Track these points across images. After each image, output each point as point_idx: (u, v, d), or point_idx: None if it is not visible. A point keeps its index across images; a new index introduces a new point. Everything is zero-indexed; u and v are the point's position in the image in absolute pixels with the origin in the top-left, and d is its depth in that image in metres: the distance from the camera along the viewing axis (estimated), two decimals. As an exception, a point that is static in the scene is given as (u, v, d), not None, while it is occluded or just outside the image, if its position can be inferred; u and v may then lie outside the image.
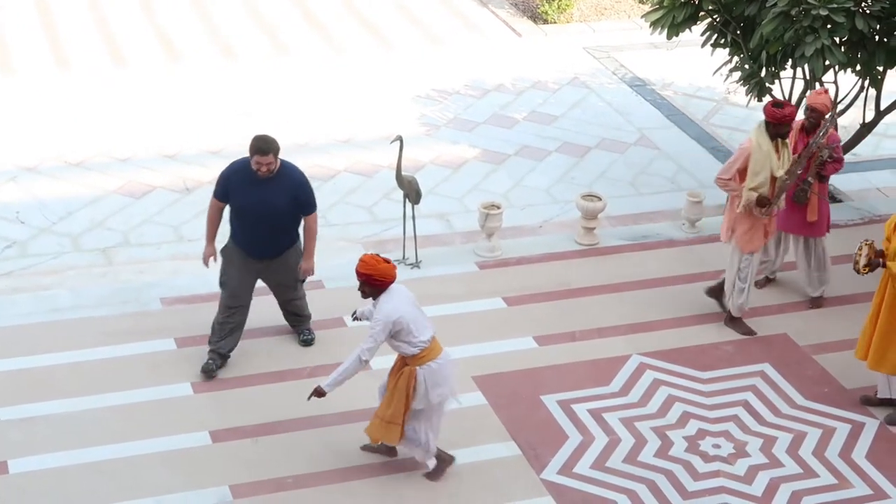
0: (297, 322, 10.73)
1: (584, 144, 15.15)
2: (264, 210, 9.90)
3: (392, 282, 8.84)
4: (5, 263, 12.21)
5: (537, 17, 18.84)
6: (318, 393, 8.93)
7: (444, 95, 16.24)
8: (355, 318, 9.36)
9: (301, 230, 10.27)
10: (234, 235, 10.18)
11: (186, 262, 11.90)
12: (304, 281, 10.51)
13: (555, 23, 18.67)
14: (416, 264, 11.89)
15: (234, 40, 17.63)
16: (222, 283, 10.20)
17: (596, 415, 10.03)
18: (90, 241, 12.63)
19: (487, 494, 9.20)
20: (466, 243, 12.59)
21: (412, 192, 11.63)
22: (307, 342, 10.64)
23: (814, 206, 11.20)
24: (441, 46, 17.88)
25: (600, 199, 12.34)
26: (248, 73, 16.67)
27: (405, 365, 8.98)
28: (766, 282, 11.79)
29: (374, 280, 8.77)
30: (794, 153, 10.95)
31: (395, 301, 8.80)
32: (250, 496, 9.06)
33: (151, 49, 17.23)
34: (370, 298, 8.93)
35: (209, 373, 10.15)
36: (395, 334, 8.82)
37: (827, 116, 11.04)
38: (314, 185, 13.81)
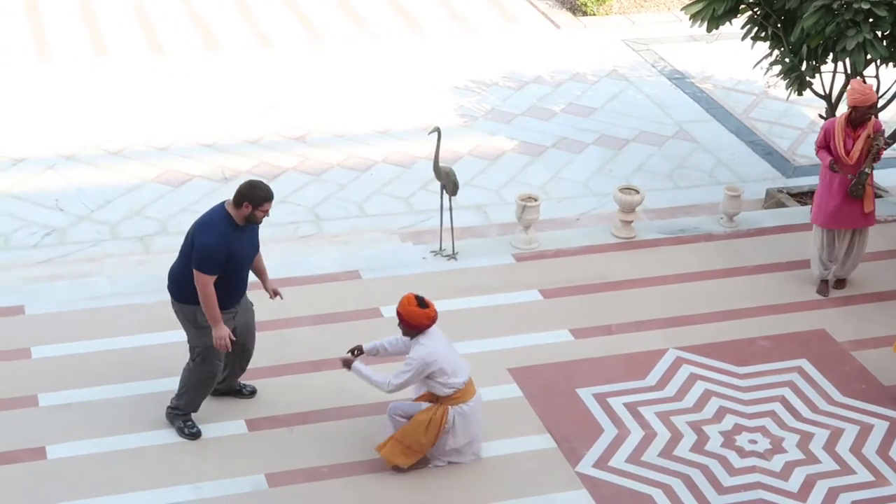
0: (241, 374, 9.82)
1: (622, 137, 15.12)
2: (252, 252, 9.28)
3: (429, 326, 8.92)
4: (45, 251, 12.31)
5: (576, 8, 18.78)
6: (347, 363, 9.11)
7: (481, 87, 16.23)
8: (357, 354, 9.27)
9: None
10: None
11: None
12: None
13: (594, 14, 18.61)
14: (453, 256, 11.89)
15: (270, 29, 17.67)
16: (212, 353, 9.20)
17: (632, 408, 10.01)
18: (128, 230, 12.70)
19: (522, 486, 9.19)
20: (503, 235, 12.58)
21: (449, 184, 11.63)
22: (253, 392, 9.90)
23: (870, 195, 11.15)
24: (479, 37, 17.85)
25: (638, 192, 12.30)
26: (285, 62, 16.70)
27: (435, 399, 9.05)
28: (827, 286, 11.66)
29: (405, 322, 8.92)
30: (844, 149, 10.94)
31: (431, 344, 8.91)
32: (285, 484, 9.09)
33: (189, 38, 17.30)
34: (403, 336, 9.06)
35: (198, 435, 9.54)
36: (429, 375, 8.93)
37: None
38: (352, 175, 13.98)
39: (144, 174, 13.76)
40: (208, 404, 9.66)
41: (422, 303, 8.93)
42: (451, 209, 11.76)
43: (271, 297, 9.64)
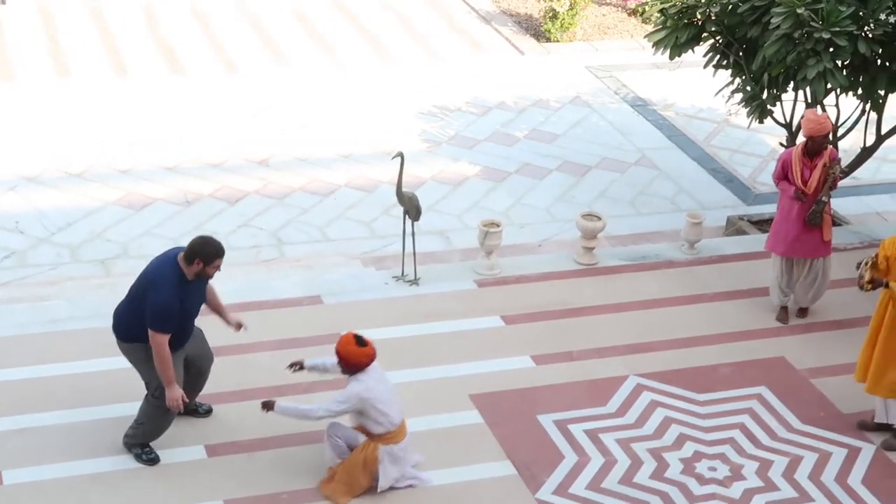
0: (198, 392, 9.78)
1: (584, 163, 15.18)
2: (200, 302, 9.25)
3: (368, 364, 8.97)
4: (4, 273, 12.22)
5: (540, 35, 18.87)
6: (270, 406, 9.10)
7: (445, 112, 16.27)
8: (297, 369, 9.37)
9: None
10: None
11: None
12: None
13: (557, 41, 18.70)
14: (415, 281, 11.89)
15: (235, 53, 17.67)
16: (165, 402, 9.08)
17: (592, 435, 10.01)
18: (89, 253, 12.64)
19: (482, 513, 9.19)
20: (465, 261, 12.59)
21: (412, 209, 11.63)
22: (209, 411, 9.91)
23: (828, 224, 11.23)
24: (443, 63, 17.91)
25: (600, 218, 12.34)
26: (248, 85, 16.70)
27: (368, 434, 9.12)
28: (786, 313, 11.72)
29: (343, 360, 8.96)
30: (802, 179, 11.02)
31: (369, 381, 8.96)
32: (245, 511, 9.06)
33: (153, 60, 17.27)
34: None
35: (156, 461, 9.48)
36: (361, 411, 9.00)
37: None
38: (314, 199, 13.97)
39: (106, 197, 13.70)
40: (168, 429, 9.60)
41: (360, 342, 8.96)
42: (413, 234, 11.76)
43: (236, 331, 9.61)
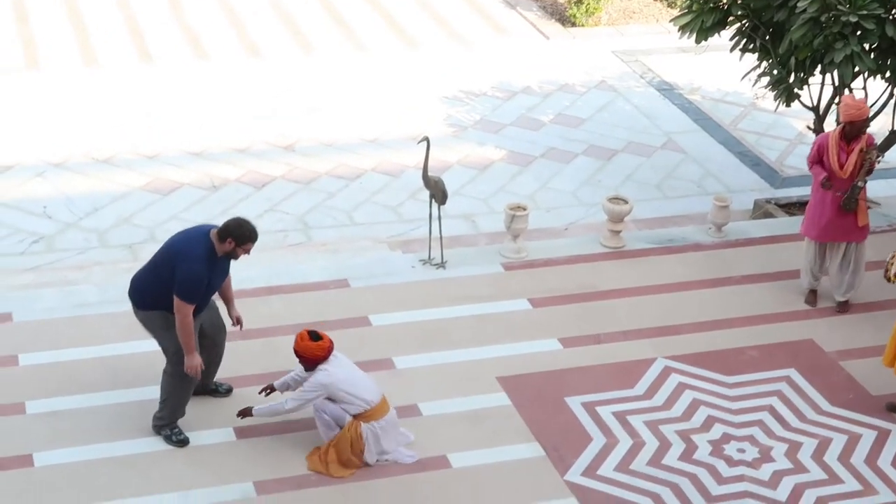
0: (213, 374, 9.91)
1: (610, 147, 15.14)
2: (222, 280, 9.39)
3: (326, 357, 9.15)
4: (32, 258, 12.28)
5: (565, 20, 18.83)
6: (247, 413, 9.37)
7: (471, 97, 16.25)
8: (268, 392, 9.56)
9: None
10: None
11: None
12: None
13: (583, 26, 18.65)
14: (442, 265, 11.89)
15: (260, 39, 17.68)
16: (184, 367, 9.23)
17: (620, 417, 10.01)
18: (117, 237, 12.68)
19: (510, 495, 9.18)
20: (492, 244, 12.58)
21: (438, 193, 11.63)
22: (229, 390, 10.01)
23: (863, 209, 11.16)
24: (469, 48, 17.89)
25: (626, 202, 12.31)
26: (274, 71, 16.71)
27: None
28: (815, 296, 11.68)
29: (302, 357, 9.17)
30: (838, 163, 10.96)
31: (329, 369, 9.15)
32: (273, 493, 9.07)
33: (179, 46, 17.30)
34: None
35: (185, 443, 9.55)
36: (332, 397, 9.20)
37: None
38: (341, 184, 13.98)
39: (133, 182, 13.75)
40: (196, 411, 9.65)
41: (315, 336, 9.14)
42: (439, 218, 11.76)
43: (234, 324, 9.72)
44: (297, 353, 9.18)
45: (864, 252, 11.44)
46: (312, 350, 9.13)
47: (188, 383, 9.37)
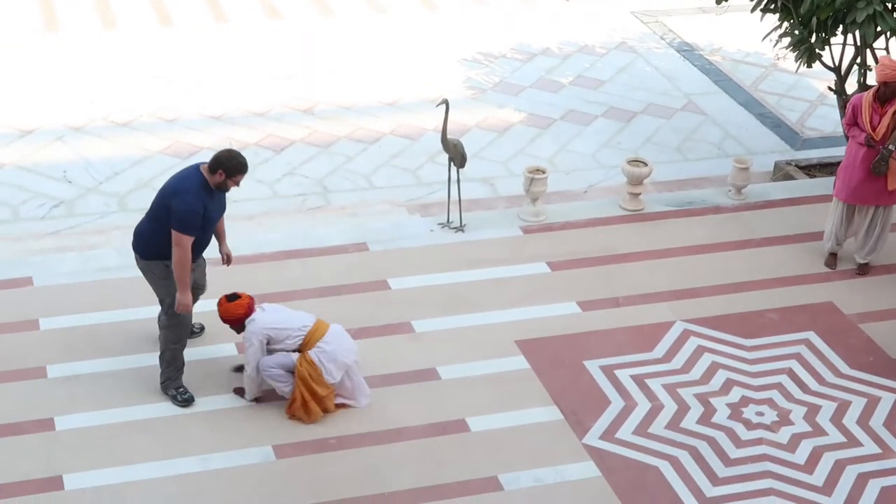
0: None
1: (630, 109, 15.08)
2: (220, 214, 9.48)
3: (249, 313, 9.30)
4: (53, 222, 12.32)
5: (585, -20, 18.71)
6: (240, 392, 9.62)
7: (490, 59, 16.19)
8: (237, 369, 9.82)
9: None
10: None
11: (232, 222, 11.93)
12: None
13: (602, -14, 18.54)
14: (461, 228, 11.88)
15: (279, 1, 17.62)
16: (180, 314, 9.37)
17: (639, 381, 10.01)
18: (137, 202, 12.70)
19: (529, 458, 9.21)
20: (511, 207, 12.57)
21: (457, 156, 11.61)
22: (202, 329, 10.24)
23: (894, 172, 11.06)
24: (487, 9, 17.81)
25: (646, 164, 12.27)
26: (293, 34, 16.67)
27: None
28: (835, 259, 11.63)
29: (228, 321, 9.38)
30: (871, 125, 10.87)
31: (254, 317, 9.32)
32: (293, 456, 9.12)
33: (198, 9, 17.27)
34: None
35: (192, 401, 9.66)
36: (272, 342, 9.33)
37: None
38: (360, 147, 13.97)
39: (152, 146, 13.76)
40: (214, 377, 9.71)
41: (232, 297, 9.32)
42: (458, 181, 11.74)
43: (223, 262, 9.86)
44: (223, 320, 9.35)
45: (892, 215, 11.37)
46: (233, 310, 9.29)
47: (181, 331, 9.49)
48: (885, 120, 10.89)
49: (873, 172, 10.99)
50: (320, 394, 9.35)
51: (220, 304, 9.35)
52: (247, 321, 9.33)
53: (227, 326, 9.51)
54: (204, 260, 9.72)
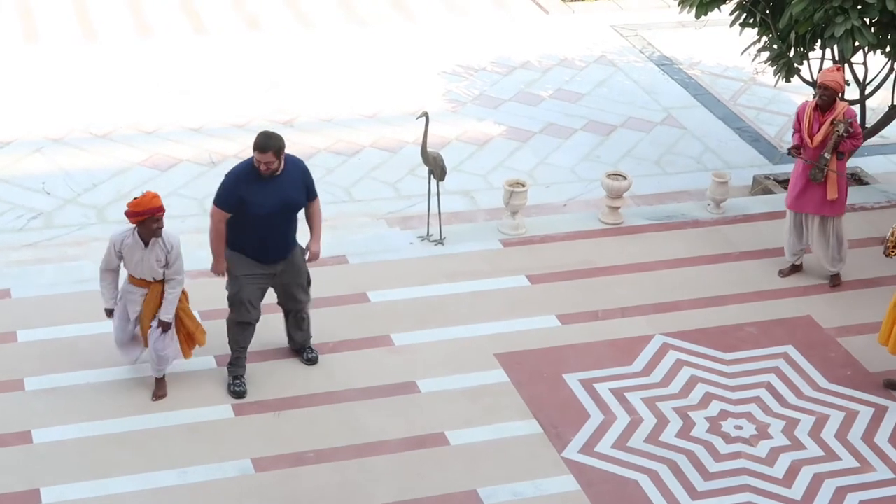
0: (301, 337, 10.14)
1: (609, 123, 15.11)
2: (283, 207, 9.39)
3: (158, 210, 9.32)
4: (31, 234, 12.27)
5: (565, -6, 18.76)
6: (166, 326, 9.50)
7: (470, 72, 16.21)
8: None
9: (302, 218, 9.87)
10: (240, 245, 9.48)
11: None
12: (309, 284, 10.01)
13: (582, 0, 18.58)
14: (441, 241, 11.89)
15: (259, 13, 17.62)
16: (236, 300, 9.61)
17: (618, 394, 10.02)
18: (115, 213, 12.65)
19: (508, 472, 9.20)
20: (490, 220, 12.58)
21: (437, 169, 11.62)
22: (312, 361, 10.14)
23: (833, 182, 11.10)
24: (468, 22, 17.83)
25: (625, 177, 12.30)
26: (272, 45, 16.67)
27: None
28: (792, 270, 11.68)
29: (131, 216, 9.39)
30: (809, 132, 10.95)
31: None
32: (271, 469, 9.09)
33: (178, 21, 17.25)
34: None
35: (242, 395, 9.81)
36: (120, 257, 9.56)
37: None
38: (339, 160, 13.96)
39: (131, 158, 13.73)
40: (194, 389, 9.70)
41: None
42: (438, 194, 11.75)
43: (305, 255, 9.88)
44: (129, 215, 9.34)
45: (843, 227, 11.37)
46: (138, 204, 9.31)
47: (239, 327, 9.68)
48: (823, 128, 10.96)
49: (810, 179, 11.06)
50: (188, 317, 9.68)
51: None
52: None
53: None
54: (298, 265, 9.79)
